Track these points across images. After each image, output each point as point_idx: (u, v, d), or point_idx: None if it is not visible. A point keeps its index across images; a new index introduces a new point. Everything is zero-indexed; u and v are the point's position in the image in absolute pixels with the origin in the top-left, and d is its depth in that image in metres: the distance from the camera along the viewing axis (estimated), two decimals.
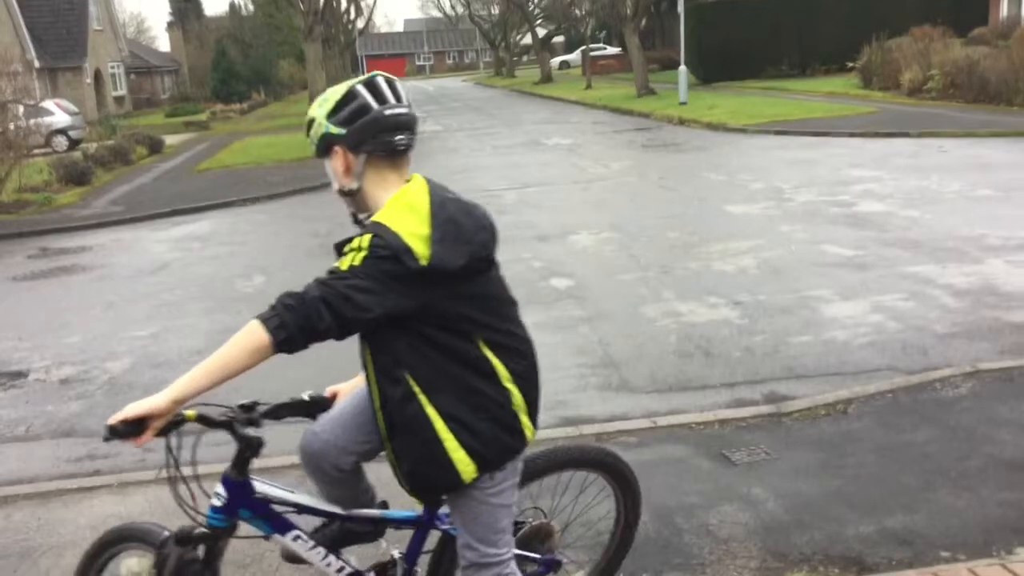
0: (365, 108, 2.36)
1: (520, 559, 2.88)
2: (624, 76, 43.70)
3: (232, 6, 61.91)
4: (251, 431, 2.51)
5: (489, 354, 2.40)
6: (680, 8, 29.15)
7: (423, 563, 2.90)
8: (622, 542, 3.44)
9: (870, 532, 3.87)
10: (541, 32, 58.40)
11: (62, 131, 26.86)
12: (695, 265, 8.86)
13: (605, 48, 59.79)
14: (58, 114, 27.19)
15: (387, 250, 2.19)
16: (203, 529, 2.55)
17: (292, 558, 2.79)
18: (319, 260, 10.61)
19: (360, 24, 56.85)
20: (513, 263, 9.46)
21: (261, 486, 2.61)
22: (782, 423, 5.07)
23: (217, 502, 2.55)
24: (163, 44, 66.99)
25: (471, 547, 2.56)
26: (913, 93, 23.24)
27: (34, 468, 5.22)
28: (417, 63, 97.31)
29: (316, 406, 2.75)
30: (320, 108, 2.42)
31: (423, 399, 2.37)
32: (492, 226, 2.42)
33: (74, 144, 26.29)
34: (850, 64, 29.26)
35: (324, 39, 40.63)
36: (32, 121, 18.03)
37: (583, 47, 48.81)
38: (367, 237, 2.23)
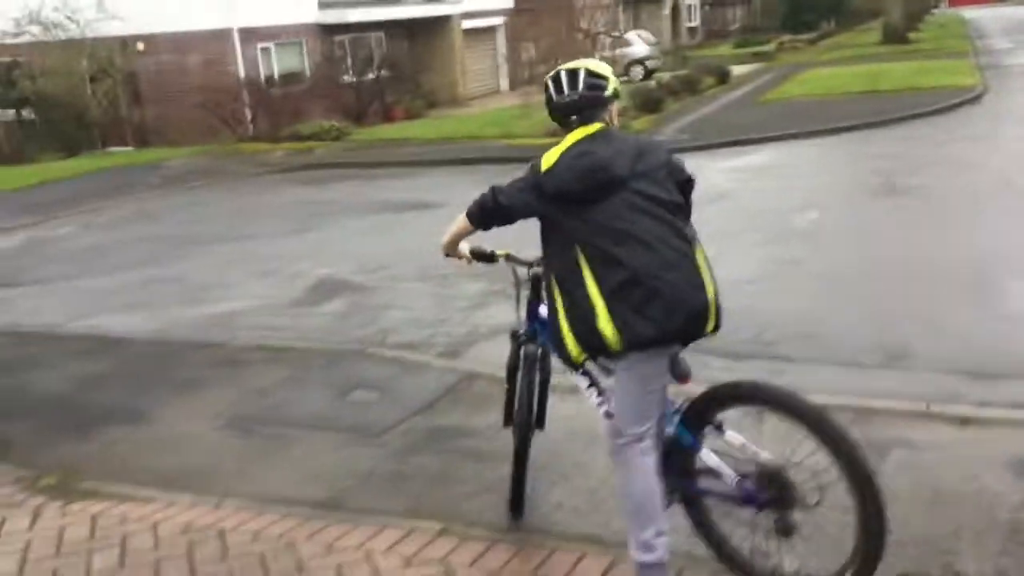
0: (549, 99, 3.38)
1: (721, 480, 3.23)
2: None
3: None
4: (536, 270, 3.78)
5: (584, 266, 3.10)
6: None
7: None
8: (862, 555, 3.01)
9: None
10: None
11: (639, 61, 28.92)
12: None
13: None
14: (637, 45, 29.30)
15: (532, 170, 3.27)
16: (524, 332, 3.89)
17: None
18: (879, 200, 10.15)
19: None
20: None
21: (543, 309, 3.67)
22: None
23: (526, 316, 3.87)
24: None
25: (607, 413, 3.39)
26: None
27: None
28: None
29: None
30: None
31: (554, 287, 3.23)
32: (595, 174, 3.11)
33: (649, 74, 28.18)
34: None
35: None
36: (617, 51, 19.73)
37: None
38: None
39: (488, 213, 3.39)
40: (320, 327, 7.30)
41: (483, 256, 3.88)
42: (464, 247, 3.80)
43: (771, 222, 9.41)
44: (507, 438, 4.86)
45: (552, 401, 5.28)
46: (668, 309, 3.00)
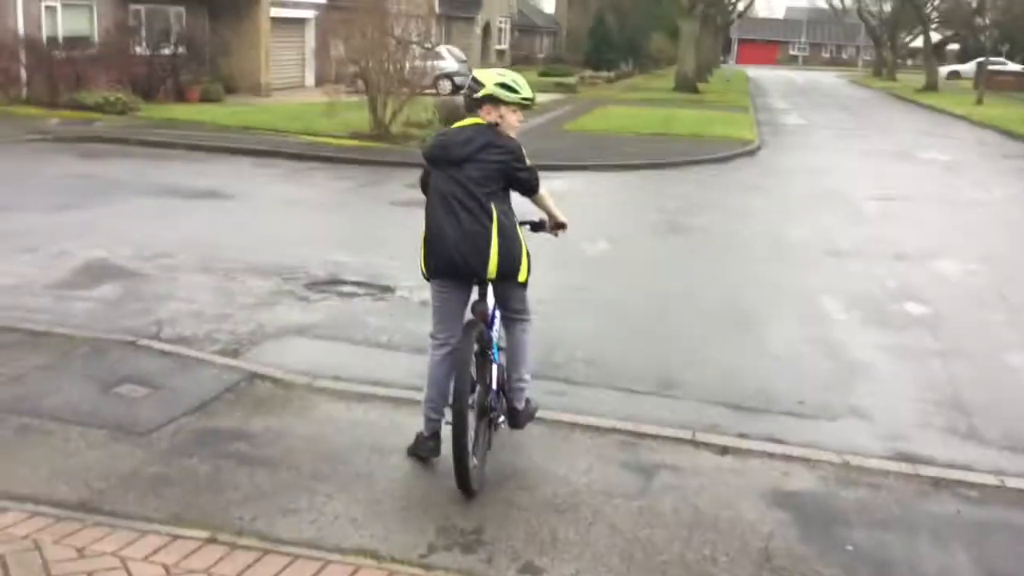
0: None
1: None
2: (1023, 97, 39.22)
3: None
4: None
5: (428, 209, 4.36)
6: None
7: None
8: None
9: None
10: (934, 37, 53.80)
11: (449, 75, 29.16)
12: None
13: (1006, 63, 53.90)
14: (448, 59, 29.52)
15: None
16: None
17: None
18: (662, 237, 10.74)
19: (741, 7, 55.74)
20: (864, 279, 8.96)
21: None
22: None
23: None
24: (548, 6, 70.14)
25: None
26: None
27: (391, 375, 5.85)
28: (790, 52, 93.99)
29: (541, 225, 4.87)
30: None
31: None
32: (439, 151, 4.30)
33: (456, 89, 28.46)
34: None
35: (702, 18, 40.45)
36: (428, 63, 19.73)
37: (980, 59, 44.34)
38: None
39: (421, 183, 4.49)
40: (86, 313, 6.76)
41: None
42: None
43: (564, 249, 9.66)
44: (285, 444, 4.70)
45: (339, 407, 5.19)
46: (438, 255, 4.21)
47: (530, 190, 4.48)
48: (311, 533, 3.86)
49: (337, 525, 3.94)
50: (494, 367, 4.43)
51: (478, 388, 4.25)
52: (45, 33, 19.87)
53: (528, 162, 4.39)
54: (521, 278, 4.33)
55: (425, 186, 4.45)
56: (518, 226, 4.39)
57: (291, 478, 4.31)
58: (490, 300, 4.47)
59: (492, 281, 4.31)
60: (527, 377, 4.60)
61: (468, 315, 4.38)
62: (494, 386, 4.42)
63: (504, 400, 4.56)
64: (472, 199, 4.17)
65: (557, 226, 4.84)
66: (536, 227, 4.80)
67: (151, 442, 4.60)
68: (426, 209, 4.35)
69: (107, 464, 4.34)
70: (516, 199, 4.44)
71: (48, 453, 4.42)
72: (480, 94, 4.25)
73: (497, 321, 4.60)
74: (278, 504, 4.07)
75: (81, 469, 4.28)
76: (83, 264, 8.03)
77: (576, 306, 7.66)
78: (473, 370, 4.17)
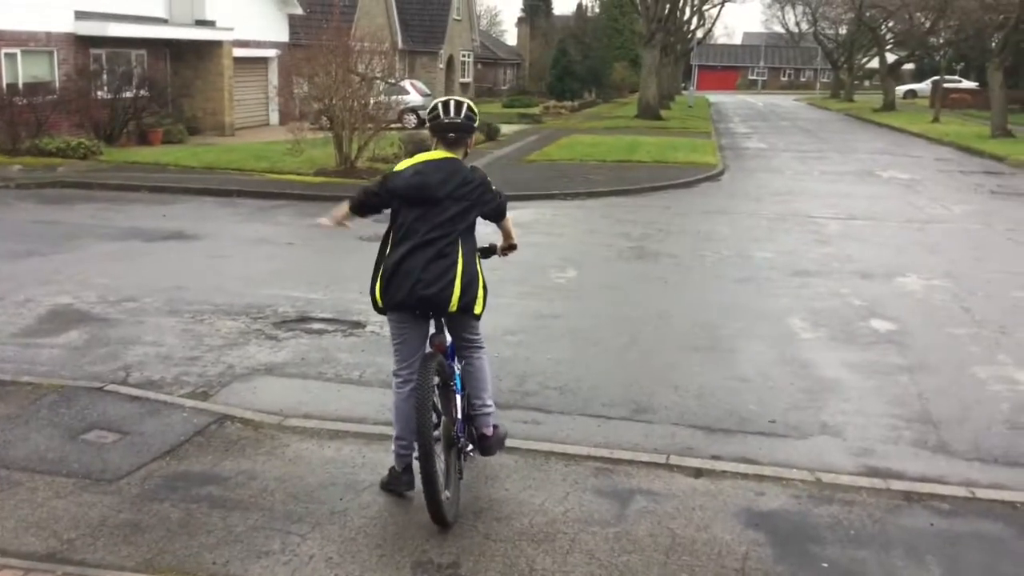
0: (436, 116, 4.37)
1: None
2: (978, 113, 40.06)
3: (579, 7, 64.19)
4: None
5: (388, 244, 4.33)
6: None
7: None
8: None
9: None
10: (890, 57, 54.93)
11: (413, 110, 29.30)
12: None
13: (960, 81, 55.14)
14: (412, 94, 29.68)
15: (387, 173, 4.55)
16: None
17: None
18: (630, 263, 10.81)
19: (700, 34, 56.57)
20: (830, 298, 9.07)
21: None
22: None
23: None
24: (511, 38, 70.79)
25: None
26: None
27: (363, 411, 5.82)
28: (749, 77, 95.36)
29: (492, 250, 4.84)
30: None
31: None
32: (419, 191, 4.27)
33: (422, 123, 28.59)
34: None
35: (662, 46, 41.01)
36: (393, 98, 19.81)
37: (935, 77, 45.31)
38: None
39: (359, 202, 4.46)
40: (52, 360, 6.68)
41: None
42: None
43: (533, 277, 9.74)
44: (257, 485, 4.65)
45: (311, 445, 5.15)
46: (401, 288, 4.20)
47: (500, 215, 4.57)
48: (285, 575, 3.82)
49: (312, 565, 3.90)
50: (458, 397, 4.45)
51: (443, 419, 4.28)
52: (5, 80, 19.72)
53: (494, 188, 4.48)
54: (477, 310, 4.38)
55: (364, 207, 4.47)
56: (478, 261, 4.45)
57: (264, 520, 4.27)
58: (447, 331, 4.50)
59: (449, 313, 4.34)
60: (489, 402, 4.61)
61: (427, 348, 4.39)
62: (459, 416, 4.43)
63: (471, 429, 4.56)
64: (443, 237, 4.23)
65: (508, 248, 4.89)
66: (486, 253, 4.83)
67: (121, 489, 4.54)
68: (386, 240, 4.34)
69: (76, 513, 4.28)
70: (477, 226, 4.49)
71: (16, 504, 4.35)
72: (476, 123, 4.45)
73: None
74: (252, 547, 4.03)
75: (50, 519, 4.21)
76: (48, 311, 7.94)
77: (546, 334, 7.68)
78: (437, 401, 4.20)
